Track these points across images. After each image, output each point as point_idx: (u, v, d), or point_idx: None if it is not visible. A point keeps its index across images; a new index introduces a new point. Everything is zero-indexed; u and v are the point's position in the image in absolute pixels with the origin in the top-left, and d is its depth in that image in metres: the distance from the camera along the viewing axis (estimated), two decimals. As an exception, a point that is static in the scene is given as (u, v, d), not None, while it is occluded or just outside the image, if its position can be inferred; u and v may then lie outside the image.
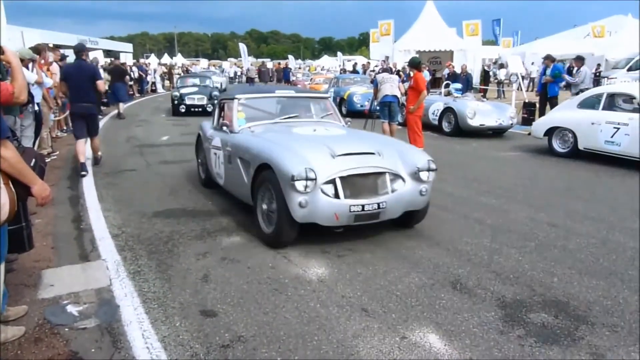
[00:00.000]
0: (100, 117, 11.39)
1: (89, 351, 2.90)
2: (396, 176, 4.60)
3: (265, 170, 4.50)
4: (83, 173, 7.30)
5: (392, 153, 4.80)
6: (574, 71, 13.49)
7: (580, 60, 13.15)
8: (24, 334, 3.03)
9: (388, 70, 14.55)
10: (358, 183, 4.41)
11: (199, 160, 6.90)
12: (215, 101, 6.91)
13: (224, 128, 5.70)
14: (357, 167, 4.43)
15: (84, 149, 7.70)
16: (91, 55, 17.01)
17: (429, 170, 4.69)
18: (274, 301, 3.51)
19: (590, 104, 8.94)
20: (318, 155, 4.44)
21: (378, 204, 4.38)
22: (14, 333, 2.98)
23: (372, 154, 4.64)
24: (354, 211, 4.29)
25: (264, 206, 4.60)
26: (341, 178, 4.32)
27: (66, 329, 3.13)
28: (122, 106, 15.87)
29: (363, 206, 4.31)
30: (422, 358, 2.86)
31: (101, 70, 12.88)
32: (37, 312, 3.32)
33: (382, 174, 4.53)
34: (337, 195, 4.29)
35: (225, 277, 3.89)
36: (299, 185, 4.10)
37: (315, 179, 4.16)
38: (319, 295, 3.60)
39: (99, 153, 8.30)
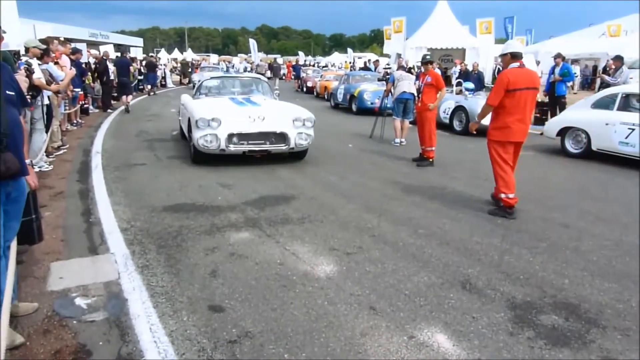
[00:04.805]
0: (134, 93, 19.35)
1: (97, 344, 2.91)
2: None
3: None
4: (129, 109, 15.20)
5: None
6: (597, 71, 13.09)
7: (619, 59, 12.41)
8: (28, 337, 2.97)
9: (402, 67, 14.42)
10: None
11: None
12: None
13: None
14: None
15: (126, 101, 15.37)
16: (102, 49, 21.55)
17: None
18: (282, 298, 3.50)
19: (604, 104, 8.81)
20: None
21: None
22: (21, 340, 2.92)
23: None
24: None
25: None
26: None
27: (74, 322, 3.14)
28: (154, 88, 23.00)
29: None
30: (430, 358, 2.83)
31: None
32: (46, 304, 3.34)
33: None
34: None
35: (234, 273, 3.89)
36: None
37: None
38: (327, 293, 3.58)
39: (129, 105, 15.55)
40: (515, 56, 5.56)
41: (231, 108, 8.13)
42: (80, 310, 3.29)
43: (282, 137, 7.68)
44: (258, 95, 9.34)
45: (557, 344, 2.99)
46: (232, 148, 7.48)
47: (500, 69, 24.88)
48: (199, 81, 9.83)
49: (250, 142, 7.59)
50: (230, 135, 7.43)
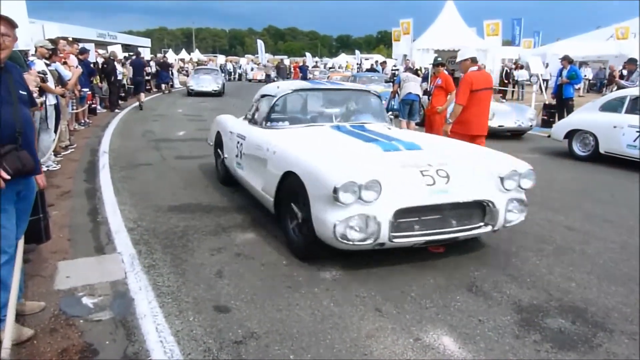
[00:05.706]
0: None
1: (103, 343, 2.92)
2: None
3: None
4: (142, 106, 15.94)
5: None
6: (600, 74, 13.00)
7: (633, 62, 12.07)
8: (34, 335, 2.99)
9: (410, 69, 14.40)
10: None
11: None
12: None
13: None
14: None
15: (140, 98, 16.16)
16: (110, 49, 21.72)
17: None
18: (288, 298, 3.50)
19: (612, 106, 8.76)
20: None
21: None
22: (29, 333, 2.95)
23: None
24: None
25: None
26: None
27: (81, 321, 3.16)
28: (167, 86, 24.81)
29: None
30: (436, 360, 2.83)
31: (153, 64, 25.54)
32: (53, 303, 3.36)
33: None
34: None
35: (239, 273, 3.89)
36: None
37: None
38: (333, 294, 3.58)
39: (142, 102, 16.24)
40: (474, 60, 6.35)
41: (373, 154, 4.29)
42: (87, 309, 3.31)
43: (480, 210, 4.08)
44: (375, 122, 5.58)
45: (563, 348, 2.97)
46: (401, 240, 3.79)
47: (508, 70, 24.73)
48: (262, 96, 5.92)
49: (422, 219, 3.88)
50: (397, 214, 3.70)
